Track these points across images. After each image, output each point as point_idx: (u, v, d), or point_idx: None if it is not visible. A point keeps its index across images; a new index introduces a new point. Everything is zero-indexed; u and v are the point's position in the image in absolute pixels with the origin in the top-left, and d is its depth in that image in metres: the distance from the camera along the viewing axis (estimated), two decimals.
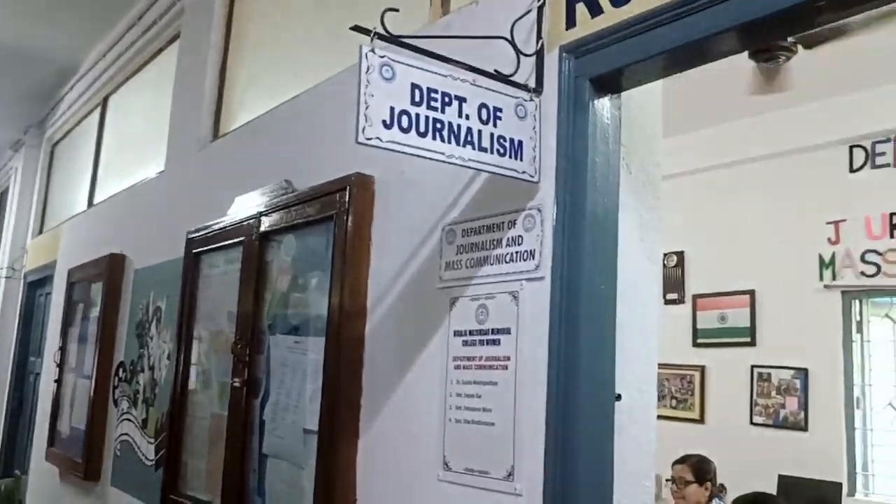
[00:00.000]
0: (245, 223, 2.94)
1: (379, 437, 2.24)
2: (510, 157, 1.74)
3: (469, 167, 1.69)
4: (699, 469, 3.96)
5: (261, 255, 2.84)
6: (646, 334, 1.84)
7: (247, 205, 2.98)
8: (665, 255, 6.36)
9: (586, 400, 1.68)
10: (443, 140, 1.64)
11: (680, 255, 6.36)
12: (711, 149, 6.11)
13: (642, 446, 1.82)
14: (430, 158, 1.63)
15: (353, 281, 2.34)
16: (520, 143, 1.76)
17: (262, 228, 2.83)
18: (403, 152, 1.59)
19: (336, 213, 2.41)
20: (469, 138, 1.68)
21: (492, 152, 1.71)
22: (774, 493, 4.90)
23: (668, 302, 6.28)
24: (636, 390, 1.80)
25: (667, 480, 3.95)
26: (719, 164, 6.11)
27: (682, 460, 4.03)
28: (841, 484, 5.05)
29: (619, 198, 1.80)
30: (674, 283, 6.35)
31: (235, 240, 3.01)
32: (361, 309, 2.33)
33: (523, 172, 1.76)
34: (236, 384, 2.82)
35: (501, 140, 1.73)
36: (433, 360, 2.04)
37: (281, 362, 2.67)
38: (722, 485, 4.12)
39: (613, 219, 1.78)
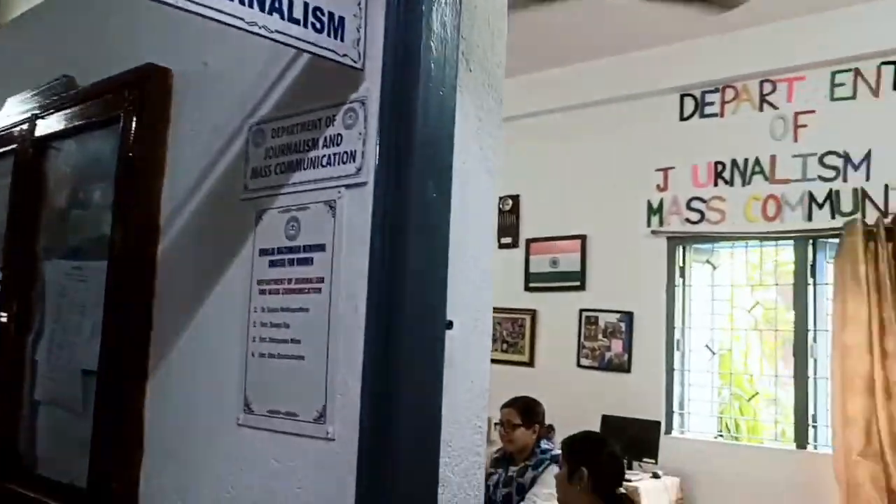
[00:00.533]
0: (16, 128, 2.45)
1: (172, 377, 1.89)
2: (329, 34, 1.44)
3: (276, 40, 1.37)
4: (527, 412, 3.88)
5: (35, 166, 2.37)
6: (482, 254, 1.60)
7: (19, 107, 2.49)
8: (501, 198, 6.26)
9: (412, 328, 1.43)
10: (242, 2, 1.31)
11: (515, 198, 6.29)
12: (547, 92, 6.03)
13: (475, 382, 1.60)
14: (225, 23, 1.30)
15: (144, 194, 1.96)
16: (341, 19, 1.46)
17: (38, 134, 2.36)
18: (189, 10, 1.25)
19: (124, 112, 2.01)
20: (277, 5, 1.36)
21: (305, 26, 1.40)
22: (598, 432, 4.97)
23: (502, 246, 6.21)
24: (470, 318, 1.57)
25: (495, 424, 3.85)
26: (555, 108, 6.06)
27: (510, 403, 3.94)
28: (659, 422, 5.22)
29: (455, 95, 1.54)
30: (509, 227, 6.28)
31: (6, 148, 2.51)
32: (153, 227, 1.96)
33: (344, 55, 1.46)
34: (3, 319, 2.37)
35: (318, 13, 1.42)
36: (235, 285, 1.72)
37: (58, 292, 2.25)
38: (550, 426, 4.09)
39: (449, 118, 1.51)
